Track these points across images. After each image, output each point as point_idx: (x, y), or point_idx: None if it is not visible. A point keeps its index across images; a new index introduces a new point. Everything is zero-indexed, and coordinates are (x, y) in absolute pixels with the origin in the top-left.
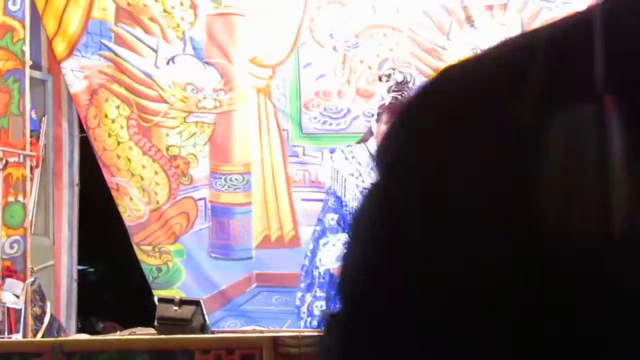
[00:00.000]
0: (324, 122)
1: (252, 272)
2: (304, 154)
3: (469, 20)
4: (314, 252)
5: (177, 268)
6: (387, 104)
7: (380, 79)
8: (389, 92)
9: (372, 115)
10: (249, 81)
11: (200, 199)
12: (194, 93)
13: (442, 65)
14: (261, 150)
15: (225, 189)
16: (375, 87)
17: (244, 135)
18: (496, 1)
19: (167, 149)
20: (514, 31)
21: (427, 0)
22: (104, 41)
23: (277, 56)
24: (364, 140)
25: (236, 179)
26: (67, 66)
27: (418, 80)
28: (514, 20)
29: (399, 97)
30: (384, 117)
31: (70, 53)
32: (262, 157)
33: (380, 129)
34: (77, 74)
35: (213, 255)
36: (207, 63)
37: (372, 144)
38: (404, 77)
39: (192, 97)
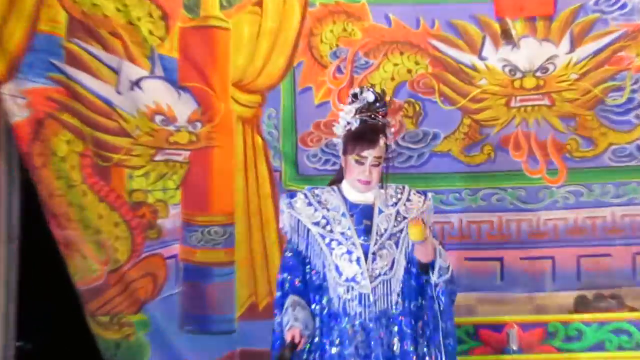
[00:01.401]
0: (326, 162)
1: (236, 350)
2: None
3: (506, 34)
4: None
5: (141, 343)
6: (353, 129)
7: (348, 100)
8: (355, 115)
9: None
10: (232, 110)
11: (170, 257)
12: (164, 125)
13: (473, 90)
14: (247, 195)
15: (202, 245)
16: (342, 114)
17: (226, 177)
18: (539, 11)
19: (130, 195)
20: (561, 47)
21: (454, 10)
22: (53, 60)
23: (268, 79)
24: (335, 181)
25: (216, 232)
26: (6, 91)
27: (432, 109)
28: (562, 33)
29: (369, 120)
30: (350, 147)
31: (10, 74)
32: (248, 205)
33: (348, 162)
34: (19, 101)
35: (186, 327)
36: (181, 87)
37: (346, 186)
38: (377, 97)
39: (161, 130)
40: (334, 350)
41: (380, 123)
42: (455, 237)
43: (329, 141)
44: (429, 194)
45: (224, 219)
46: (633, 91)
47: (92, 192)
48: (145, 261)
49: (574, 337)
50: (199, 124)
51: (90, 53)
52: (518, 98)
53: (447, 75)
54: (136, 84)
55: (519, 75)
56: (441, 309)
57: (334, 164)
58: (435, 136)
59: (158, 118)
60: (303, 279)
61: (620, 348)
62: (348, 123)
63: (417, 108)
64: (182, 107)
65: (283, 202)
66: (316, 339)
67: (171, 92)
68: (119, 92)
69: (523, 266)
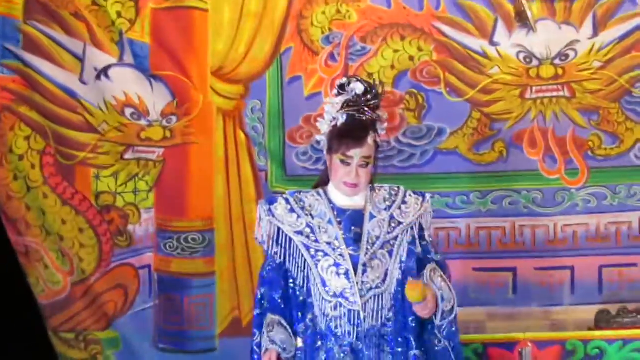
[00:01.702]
0: (317, 160)
1: None
2: None
3: (521, 16)
4: None
5: None
6: (339, 125)
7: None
8: (343, 108)
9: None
10: (212, 102)
11: (142, 267)
12: (134, 119)
13: (483, 79)
14: (229, 199)
15: (178, 254)
16: (327, 108)
17: (205, 178)
18: None
19: (97, 198)
20: (582, 31)
21: None
22: (9, 46)
23: (252, 67)
24: (320, 184)
25: (193, 239)
26: None
27: (437, 101)
28: (584, 15)
29: (357, 115)
30: (335, 145)
31: None
32: (230, 209)
33: (333, 162)
34: None
35: (161, 346)
36: (153, 76)
37: (332, 189)
38: (367, 88)
39: (132, 125)
40: None
41: (369, 118)
42: (463, 245)
43: (320, 138)
44: (427, 195)
45: (202, 225)
46: None
47: (54, 194)
48: (115, 272)
49: (595, 356)
50: (174, 118)
51: (50, 37)
52: (534, 89)
53: (454, 63)
54: (103, 72)
55: (535, 63)
56: (451, 348)
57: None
58: (440, 132)
59: (128, 111)
60: (283, 295)
61: None
62: (334, 118)
63: (420, 100)
64: (155, 99)
65: (262, 209)
66: None
67: (142, 82)
68: (83, 82)
69: (538, 277)
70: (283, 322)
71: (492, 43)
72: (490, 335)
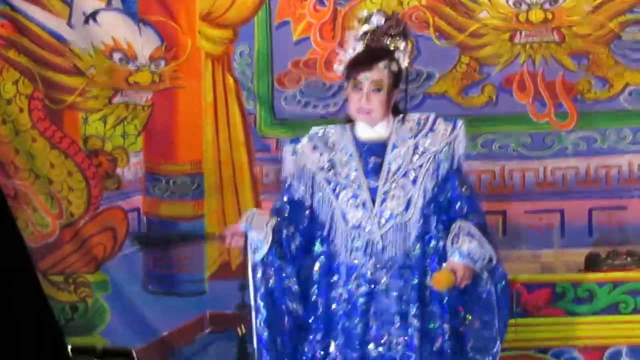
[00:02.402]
0: (306, 104)
1: (205, 313)
2: (277, 148)
3: None
4: None
5: (100, 306)
6: (356, 52)
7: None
8: (361, 40)
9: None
10: (200, 46)
11: (131, 210)
12: (123, 63)
13: (472, 24)
14: (217, 142)
15: (168, 196)
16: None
17: (194, 122)
18: None
19: (85, 141)
20: None
21: None
22: None
23: (240, 11)
24: (347, 119)
25: (183, 182)
26: None
27: (426, 46)
28: None
29: (372, 45)
30: (346, 72)
31: None
32: (218, 153)
33: (349, 91)
34: None
35: (150, 288)
36: (142, 21)
37: (357, 124)
38: (386, 19)
39: (120, 69)
40: (335, 306)
41: (384, 45)
42: None
43: (309, 81)
44: (460, 122)
45: (191, 168)
46: None
47: (43, 138)
48: (104, 215)
49: (585, 298)
50: (162, 62)
51: None
52: (523, 33)
53: (442, 8)
54: (91, 16)
55: (524, 7)
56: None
57: (315, 106)
58: (429, 76)
59: (116, 55)
60: (290, 223)
61: (636, 311)
62: (353, 49)
63: (410, 45)
64: (144, 44)
65: (287, 150)
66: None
67: (131, 27)
68: (71, 26)
69: (528, 220)
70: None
71: None
72: None
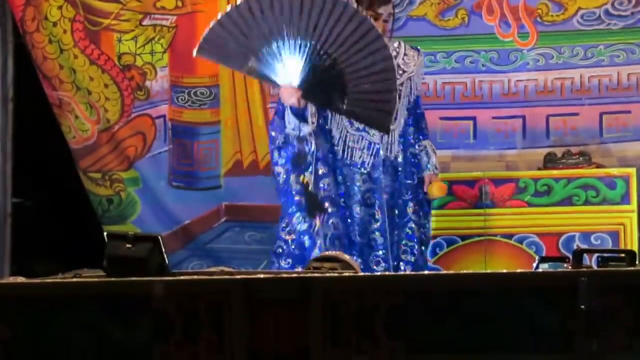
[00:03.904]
0: None
1: (221, 204)
2: None
3: None
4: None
5: (132, 199)
6: None
7: None
8: None
9: None
10: None
11: (158, 117)
12: None
13: None
14: None
15: (189, 105)
16: None
17: None
18: None
19: (120, 58)
20: None
21: None
22: None
23: None
24: None
25: (202, 93)
26: None
27: None
28: None
29: None
30: (365, 3)
31: None
32: None
33: None
34: None
35: (174, 184)
36: None
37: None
38: None
39: None
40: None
41: None
42: (431, 97)
43: None
44: (421, 49)
45: (209, 81)
46: None
47: (83, 55)
48: (135, 121)
49: (544, 192)
50: None
51: None
52: None
53: None
54: None
55: None
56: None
57: None
58: (411, 1)
59: None
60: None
61: (587, 202)
62: None
63: None
64: None
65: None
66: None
67: None
68: None
69: (495, 125)
70: None
71: None
72: (454, 174)
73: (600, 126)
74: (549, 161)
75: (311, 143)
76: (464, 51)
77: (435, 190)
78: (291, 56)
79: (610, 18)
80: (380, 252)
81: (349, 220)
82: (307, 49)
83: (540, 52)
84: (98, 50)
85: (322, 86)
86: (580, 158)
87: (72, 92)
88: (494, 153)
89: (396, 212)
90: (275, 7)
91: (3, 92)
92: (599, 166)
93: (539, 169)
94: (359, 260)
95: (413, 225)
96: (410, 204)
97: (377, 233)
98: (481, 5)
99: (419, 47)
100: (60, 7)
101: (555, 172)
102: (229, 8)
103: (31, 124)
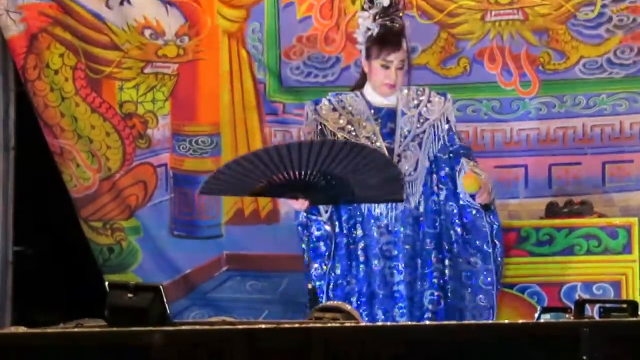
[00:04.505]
0: (308, 74)
1: (222, 253)
2: (284, 112)
3: None
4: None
5: (133, 248)
6: (375, 34)
7: (362, 8)
8: (375, 20)
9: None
10: (218, 24)
11: (160, 166)
12: (152, 38)
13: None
14: (233, 106)
15: (191, 154)
16: (360, 21)
17: (212, 89)
18: None
19: (121, 106)
20: None
21: None
22: None
23: None
24: (357, 87)
25: (203, 142)
26: (1, 6)
27: (410, 23)
28: None
29: (389, 24)
30: (374, 52)
31: None
32: (234, 115)
33: (372, 67)
34: (13, 16)
35: (175, 233)
36: (168, 2)
37: (369, 90)
38: (392, 1)
39: (150, 44)
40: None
41: (400, 25)
42: None
43: (311, 54)
44: (449, 95)
45: (210, 129)
46: (603, 6)
47: (84, 103)
48: (136, 169)
49: (545, 241)
50: (186, 38)
51: None
52: (493, 12)
53: None
54: None
55: None
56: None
57: (316, 75)
58: (413, 50)
59: (147, 32)
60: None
61: (589, 252)
62: (368, 29)
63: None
64: (170, 22)
65: (308, 108)
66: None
67: (159, 7)
68: (109, 7)
69: (497, 174)
70: None
71: None
72: None
73: (602, 175)
74: (551, 210)
75: (329, 239)
76: (466, 100)
77: (466, 183)
78: (296, 182)
79: (612, 67)
80: (403, 304)
81: (368, 274)
82: (310, 176)
83: (542, 101)
84: (99, 98)
85: (328, 193)
86: (582, 207)
87: (73, 141)
88: (496, 202)
89: (419, 262)
90: (275, 156)
91: (4, 140)
92: (601, 215)
93: (541, 218)
94: (380, 312)
95: (437, 274)
96: (434, 253)
97: (400, 285)
98: (483, 54)
99: (446, 93)
100: (61, 55)
101: (557, 222)
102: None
103: (32, 172)
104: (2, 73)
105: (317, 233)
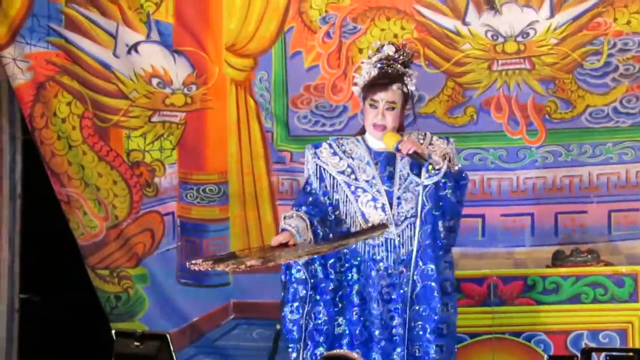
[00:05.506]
0: (316, 123)
1: (230, 301)
2: (291, 161)
3: (489, 1)
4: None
5: (140, 296)
6: (371, 76)
7: (368, 56)
8: (375, 66)
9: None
10: (226, 73)
11: (167, 214)
12: (160, 87)
13: (456, 54)
14: (240, 155)
15: (198, 202)
16: (363, 66)
17: (220, 137)
18: None
19: (128, 154)
20: (541, 13)
21: None
22: (53, 25)
23: (260, 43)
24: (360, 133)
25: (210, 190)
26: (8, 55)
27: (418, 71)
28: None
29: (385, 68)
30: (364, 93)
31: (12, 39)
32: (241, 164)
33: (365, 109)
34: (20, 64)
35: (182, 281)
36: (176, 51)
37: (369, 136)
38: (397, 48)
39: (158, 92)
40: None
41: (396, 70)
42: None
43: (318, 103)
44: (451, 139)
45: (218, 178)
46: (610, 55)
47: (92, 151)
48: (143, 218)
49: (552, 290)
50: (193, 87)
51: (88, 18)
52: (500, 62)
53: (431, 40)
54: (133, 48)
55: (500, 40)
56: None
57: (323, 124)
58: (420, 98)
59: (154, 81)
60: (309, 209)
61: (596, 301)
62: (368, 73)
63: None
64: (178, 71)
65: (309, 152)
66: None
67: (167, 56)
68: (116, 56)
69: (503, 222)
70: (303, 215)
71: (464, 23)
72: (463, 272)
73: (608, 224)
74: (558, 259)
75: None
76: (473, 148)
77: (386, 140)
78: None
79: (618, 116)
80: (400, 350)
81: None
82: None
83: (548, 150)
84: (107, 146)
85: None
86: (589, 256)
87: (80, 189)
88: (503, 250)
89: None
90: None
91: (11, 188)
92: (607, 264)
93: (548, 266)
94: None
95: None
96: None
97: (398, 329)
98: (490, 103)
99: (449, 137)
100: (69, 104)
101: (563, 270)
102: None
103: (39, 221)
104: (9, 121)
105: (297, 275)
